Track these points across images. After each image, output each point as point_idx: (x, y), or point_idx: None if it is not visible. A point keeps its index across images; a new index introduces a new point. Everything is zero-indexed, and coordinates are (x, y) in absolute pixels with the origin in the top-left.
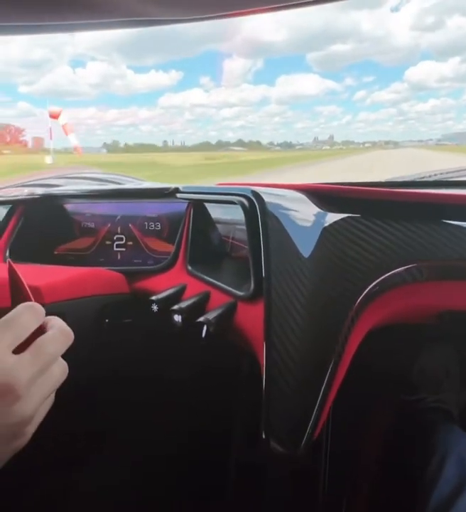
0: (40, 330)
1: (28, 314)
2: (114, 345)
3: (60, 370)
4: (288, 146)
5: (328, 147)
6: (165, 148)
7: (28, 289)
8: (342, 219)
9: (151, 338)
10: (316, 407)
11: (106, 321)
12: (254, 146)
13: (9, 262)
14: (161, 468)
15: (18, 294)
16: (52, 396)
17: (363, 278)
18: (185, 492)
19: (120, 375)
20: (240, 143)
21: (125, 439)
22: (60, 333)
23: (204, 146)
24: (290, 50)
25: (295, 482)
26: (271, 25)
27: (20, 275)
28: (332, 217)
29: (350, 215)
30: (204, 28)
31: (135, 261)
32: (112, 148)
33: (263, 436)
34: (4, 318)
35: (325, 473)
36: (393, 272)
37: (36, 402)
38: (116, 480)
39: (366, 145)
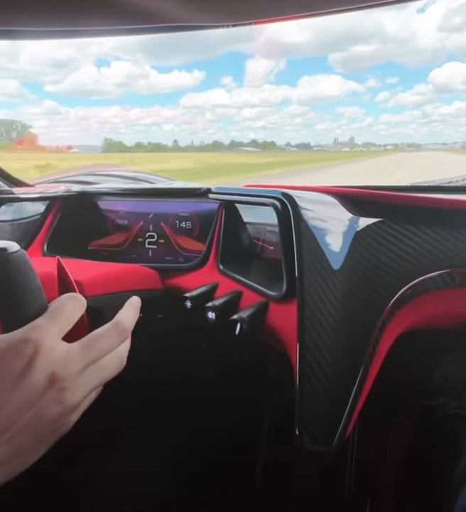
0: (84, 320)
1: (72, 304)
2: (146, 339)
3: (113, 364)
4: (305, 147)
5: (348, 149)
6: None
7: (74, 283)
8: (373, 223)
9: (183, 334)
10: (348, 407)
11: (141, 315)
12: (270, 146)
13: (58, 259)
14: (188, 462)
15: (65, 289)
16: (100, 387)
17: (394, 283)
18: (211, 486)
19: (151, 368)
20: (254, 143)
21: (153, 432)
22: (113, 328)
23: (217, 147)
24: (312, 51)
25: (321, 480)
26: (293, 26)
27: (67, 271)
28: (364, 222)
29: (382, 219)
30: (227, 29)
31: (166, 258)
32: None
33: (297, 432)
34: (50, 308)
35: (351, 472)
36: (425, 277)
37: (83, 392)
38: (143, 472)
39: (388, 147)
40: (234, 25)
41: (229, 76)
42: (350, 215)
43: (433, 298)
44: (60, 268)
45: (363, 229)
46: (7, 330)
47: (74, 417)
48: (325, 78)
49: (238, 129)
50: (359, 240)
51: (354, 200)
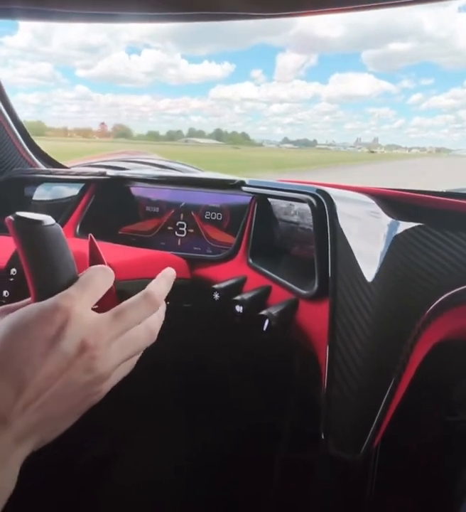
0: (110, 291)
1: (100, 275)
2: (172, 327)
3: (143, 335)
4: (307, 144)
5: (366, 150)
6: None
7: (105, 262)
8: (413, 228)
9: (209, 325)
10: (378, 415)
11: (168, 303)
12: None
13: (91, 237)
14: (207, 456)
15: (96, 264)
16: (134, 360)
17: (432, 290)
18: (230, 483)
19: (175, 357)
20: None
21: (169, 425)
22: (143, 299)
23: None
24: (345, 47)
25: (341, 487)
26: (326, 20)
27: (100, 250)
28: (403, 225)
29: (422, 224)
30: (257, 20)
31: (195, 248)
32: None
33: (322, 437)
34: (80, 278)
35: (372, 482)
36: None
37: (113, 362)
38: (158, 465)
39: (413, 150)
40: (270, 16)
41: (258, 69)
42: (388, 218)
43: None
44: (92, 245)
45: (401, 233)
46: (40, 299)
47: (105, 387)
48: (357, 76)
49: (266, 124)
50: (397, 244)
51: (392, 202)
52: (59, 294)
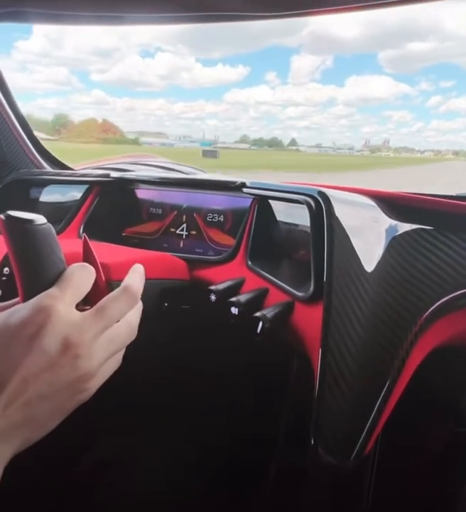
0: (100, 291)
1: (80, 272)
2: (169, 328)
3: (125, 331)
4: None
5: (368, 153)
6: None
7: (99, 264)
8: (412, 230)
9: (206, 327)
10: (369, 421)
11: (166, 304)
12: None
13: (85, 237)
14: (201, 459)
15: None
16: (119, 356)
17: (431, 293)
18: (223, 487)
19: (172, 359)
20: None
21: (166, 425)
22: (123, 293)
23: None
24: (361, 48)
25: (335, 493)
26: (341, 20)
27: (93, 250)
28: (401, 227)
29: (421, 226)
30: (272, 20)
31: (196, 250)
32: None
33: (312, 442)
34: (61, 277)
35: (369, 489)
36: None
37: (97, 359)
38: (155, 468)
39: (426, 154)
40: (283, 16)
41: (273, 72)
42: (388, 219)
43: None
44: (86, 246)
45: (400, 234)
46: (27, 297)
47: (93, 384)
48: (375, 79)
49: (281, 128)
50: (395, 246)
51: (393, 204)
52: (41, 294)
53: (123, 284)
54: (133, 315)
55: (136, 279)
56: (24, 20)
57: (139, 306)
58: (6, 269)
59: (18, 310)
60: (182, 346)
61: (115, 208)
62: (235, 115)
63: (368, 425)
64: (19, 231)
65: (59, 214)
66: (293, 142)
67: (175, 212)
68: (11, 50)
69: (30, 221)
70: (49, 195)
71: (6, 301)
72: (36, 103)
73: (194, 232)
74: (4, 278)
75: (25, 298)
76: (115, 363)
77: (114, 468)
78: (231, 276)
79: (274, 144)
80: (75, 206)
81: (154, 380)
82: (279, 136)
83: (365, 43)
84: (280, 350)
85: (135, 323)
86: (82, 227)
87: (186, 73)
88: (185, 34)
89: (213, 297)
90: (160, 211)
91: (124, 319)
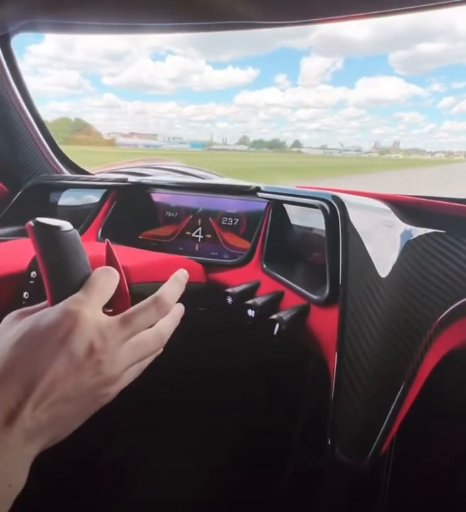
0: (122, 294)
1: (104, 276)
2: (186, 330)
3: (152, 339)
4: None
5: (377, 154)
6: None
7: (121, 268)
8: (427, 234)
9: (222, 329)
10: (385, 422)
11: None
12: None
13: (107, 242)
14: (216, 459)
15: None
16: (144, 363)
17: (446, 298)
18: (238, 488)
19: (188, 360)
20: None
21: (180, 428)
22: (153, 303)
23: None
24: (371, 49)
25: (351, 494)
26: (351, 22)
27: (116, 255)
28: (416, 231)
29: (435, 230)
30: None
31: (212, 253)
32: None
33: (329, 442)
34: (86, 282)
35: (385, 489)
36: None
37: (121, 366)
38: (169, 467)
39: (436, 155)
40: (293, 24)
41: (282, 74)
42: (403, 224)
43: None
44: (109, 250)
45: (415, 239)
46: (55, 302)
47: (114, 390)
48: (385, 80)
49: (291, 130)
50: (410, 250)
51: (408, 208)
52: (68, 298)
53: (158, 291)
54: (165, 324)
55: (173, 287)
56: (38, 31)
57: (173, 316)
58: (33, 273)
59: (47, 313)
60: (199, 347)
61: (132, 212)
62: (245, 117)
63: (383, 427)
64: (47, 237)
65: (78, 217)
66: (297, 144)
67: (191, 216)
68: (23, 53)
69: (57, 228)
70: (68, 199)
71: (33, 303)
72: (48, 106)
73: (209, 236)
74: (32, 281)
75: (53, 301)
76: (139, 369)
77: (129, 467)
78: (247, 279)
79: (275, 145)
80: (94, 210)
81: (175, 382)
82: (289, 138)
83: (375, 44)
84: (296, 352)
85: (165, 333)
86: (100, 231)
87: (196, 76)
88: (195, 37)
89: (230, 300)
90: (176, 215)
91: (154, 327)
